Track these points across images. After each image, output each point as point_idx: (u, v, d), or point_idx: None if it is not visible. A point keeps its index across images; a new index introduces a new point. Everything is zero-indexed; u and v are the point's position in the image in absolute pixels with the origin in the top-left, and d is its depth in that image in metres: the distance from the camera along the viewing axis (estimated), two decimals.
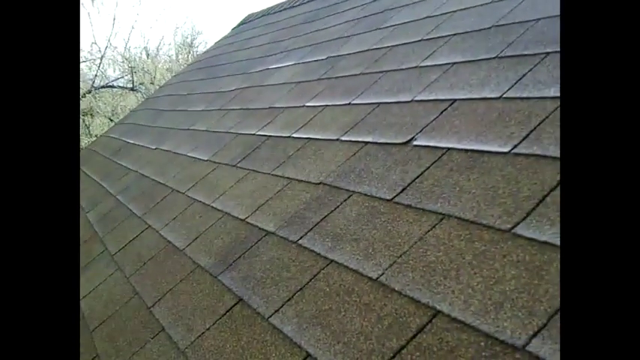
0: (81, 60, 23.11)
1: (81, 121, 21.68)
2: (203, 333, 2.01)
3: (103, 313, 2.69)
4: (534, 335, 1.21)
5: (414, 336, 1.42)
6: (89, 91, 22.40)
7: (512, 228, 1.51)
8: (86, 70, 23.44)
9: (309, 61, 4.36)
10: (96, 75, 23.01)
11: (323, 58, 4.17)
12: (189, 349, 1.98)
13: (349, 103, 3.04)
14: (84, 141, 20.04)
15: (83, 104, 21.85)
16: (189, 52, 26.12)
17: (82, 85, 22.30)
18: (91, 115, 22.13)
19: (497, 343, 1.25)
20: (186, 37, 28.73)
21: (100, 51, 25.87)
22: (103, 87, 23.26)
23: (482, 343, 1.28)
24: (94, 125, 21.83)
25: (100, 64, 22.98)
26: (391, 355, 1.41)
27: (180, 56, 25.99)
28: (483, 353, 1.26)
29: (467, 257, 1.53)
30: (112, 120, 21.16)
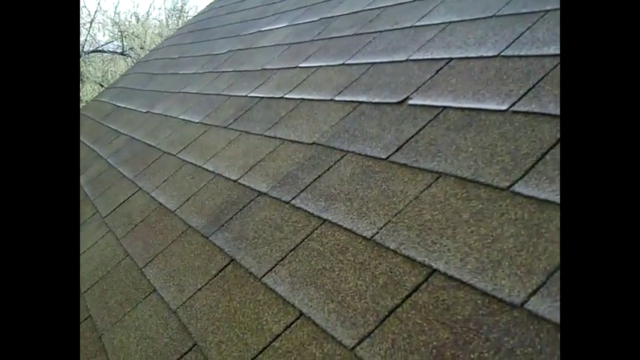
0: None
1: None
2: (195, 293, 1.99)
3: (94, 274, 2.66)
4: (533, 293, 1.18)
5: (410, 294, 1.39)
6: (79, 56, 22.24)
7: (511, 186, 1.48)
8: None
9: (301, 23, 4.30)
10: (86, 39, 22.84)
11: (316, 19, 4.11)
12: (181, 309, 1.96)
13: (343, 64, 2.99)
14: None
15: None
16: (180, 17, 25.89)
17: None
18: (82, 80, 22.00)
19: (495, 301, 1.23)
20: (177, 2, 28.51)
21: (89, 15, 25.70)
22: (92, 51, 23.08)
23: (480, 301, 1.26)
24: (84, 91, 21.72)
25: (89, 28, 22.80)
26: (386, 313, 1.39)
27: (170, 21, 25.76)
28: (480, 311, 1.24)
29: (464, 216, 1.50)
30: (102, 85, 21.04)
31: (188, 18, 22.76)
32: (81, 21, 22.79)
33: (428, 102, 2.11)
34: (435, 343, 1.25)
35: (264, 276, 1.82)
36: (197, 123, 3.68)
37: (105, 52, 23.43)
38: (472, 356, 1.16)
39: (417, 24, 2.83)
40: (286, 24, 4.57)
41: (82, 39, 22.68)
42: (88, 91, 21.51)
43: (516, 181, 1.48)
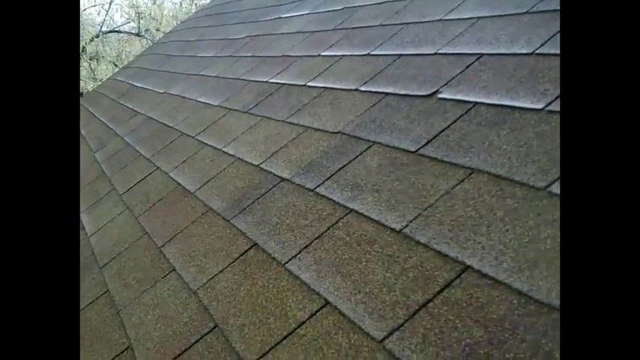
0: (90, 5, 23.26)
1: (86, 64, 21.71)
2: (216, 275, 1.97)
3: (112, 250, 2.65)
4: None
5: (442, 290, 1.38)
6: (97, 36, 22.36)
7: (548, 186, 1.46)
8: (95, 14, 23.48)
9: (323, 11, 4.27)
10: (104, 20, 22.95)
11: (339, 8, 4.08)
12: (202, 290, 1.95)
13: (368, 54, 2.97)
14: (89, 85, 20.10)
15: (90, 48, 21.90)
16: (193, 0, 25.85)
17: (90, 29, 22.35)
18: (97, 59, 22.09)
19: (532, 302, 1.21)
20: None
21: None
22: (109, 32, 23.18)
23: (515, 301, 1.24)
24: (98, 70, 21.82)
25: (108, 9, 22.95)
26: (417, 307, 1.37)
27: (184, 4, 25.73)
28: (516, 311, 1.22)
29: (498, 213, 1.48)
30: (116, 65, 21.10)
31: (202, 1, 22.74)
32: (100, 1, 22.94)
33: (458, 96, 2.08)
34: (468, 340, 1.23)
35: (287, 262, 1.81)
36: (216, 106, 3.66)
37: (121, 32, 23.52)
38: (507, 356, 1.15)
39: (445, 18, 2.80)
40: (307, 12, 4.54)
41: (100, 19, 22.83)
42: (102, 70, 21.62)
43: (553, 182, 1.46)
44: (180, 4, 25.59)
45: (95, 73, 21.40)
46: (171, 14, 23.69)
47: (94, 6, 24.00)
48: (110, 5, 22.78)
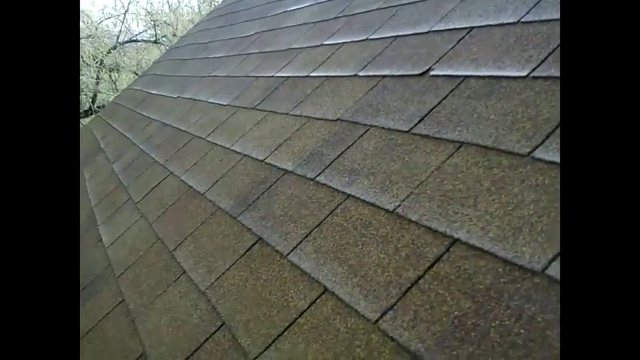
0: (106, 16, 23.45)
1: (107, 76, 21.88)
2: (223, 274, 2.00)
3: (127, 259, 2.69)
4: (554, 259, 1.17)
5: (432, 265, 1.39)
6: (114, 47, 22.51)
7: (531, 152, 1.46)
8: (111, 26, 23.69)
9: (326, 1, 4.28)
10: (120, 30, 23.12)
11: None
12: (210, 290, 1.97)
13: (366, 39, 2.98)
14: (110, 96, 20.26)
15: (109, 60, 22.06)
16: (211, 4, 25.95)
17: (107, 41, 22.50)
18: (117, 70, 22.24)
19: (516, 269, 1.22)
20: None
21: (123, 7, 26.03)
22: (127, 42, 23.33)
23: (501, 269, 1.24)
24: (120, 80, 21.98)
25: (124, 19, 23.07)
26: (408, 285, 1.38)
27: (202, 7, 25.83)
28: (502, 279, 1.22)
29: (485, 184, 1.48)
30: (137, 74, 21.23)
31: (219, 1, 22.82)
32: (116, 13, 23.11)
33: (449, 72, 2.08)
34: (456, 312, 1.24)
35: (289, 253, 1.82)
36: (226, 105, 3.69)
37: (138, 41, 23.67)
38: (493, 324, 1.16)
39: None
40: (311, 2, 4.55)
41: (117, 30, 23.00)
42: (124, 80, 21.77)
43: (537, 147, 1.46)
44: (199, 7, 25.72)
45: (117, 84, 21.58)
46: (188, 19, 23.79)
47: (109, 18, 24.17)
48: (125, 15, 22.91)
